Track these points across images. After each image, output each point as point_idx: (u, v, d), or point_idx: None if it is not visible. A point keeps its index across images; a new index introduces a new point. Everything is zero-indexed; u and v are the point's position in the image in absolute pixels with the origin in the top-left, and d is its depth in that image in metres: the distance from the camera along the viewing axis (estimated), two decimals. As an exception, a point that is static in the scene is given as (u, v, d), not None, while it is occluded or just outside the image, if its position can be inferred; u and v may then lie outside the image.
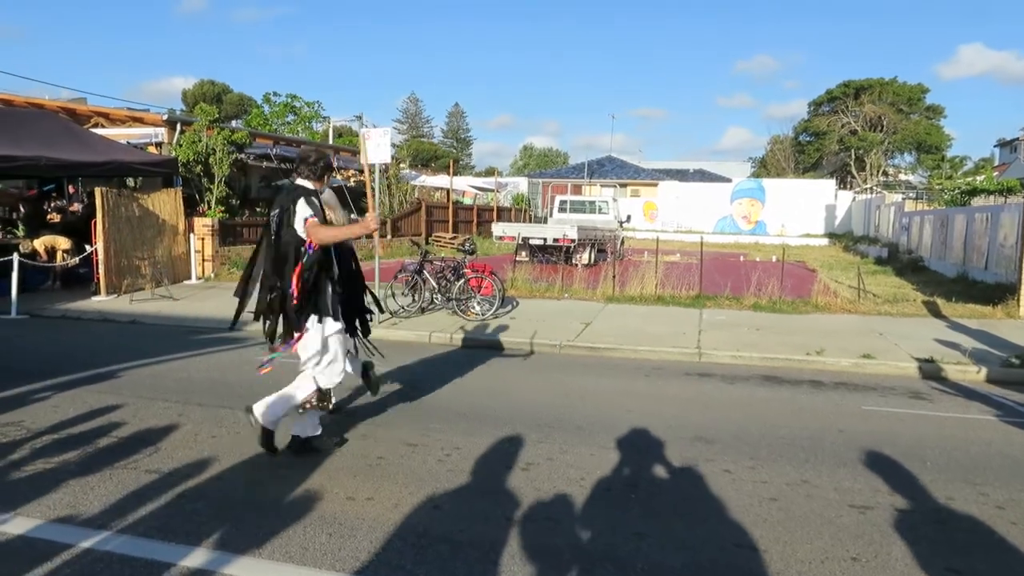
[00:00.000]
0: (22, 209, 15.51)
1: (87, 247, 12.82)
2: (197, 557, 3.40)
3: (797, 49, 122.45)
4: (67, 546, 3.48)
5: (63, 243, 13.33)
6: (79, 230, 13.47)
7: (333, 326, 4.84)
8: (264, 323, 4.92)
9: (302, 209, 4.64)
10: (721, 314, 11.20)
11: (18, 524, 3.72)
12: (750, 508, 4.15)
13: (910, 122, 53.33)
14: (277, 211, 4.74)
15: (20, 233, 14.00)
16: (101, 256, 12.36)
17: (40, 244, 13.20)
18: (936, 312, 11.29)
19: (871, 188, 45.85)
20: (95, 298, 12.13)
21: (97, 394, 6.31)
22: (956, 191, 26.41)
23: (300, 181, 4.84)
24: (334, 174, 21.45)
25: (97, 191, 12.53)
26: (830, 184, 42.47)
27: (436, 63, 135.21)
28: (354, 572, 3.31)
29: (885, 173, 53.05)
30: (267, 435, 4.79)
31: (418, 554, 3.49)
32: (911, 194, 35.34)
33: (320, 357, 4.82)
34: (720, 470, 4.75)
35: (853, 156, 52.52)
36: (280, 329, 4.88)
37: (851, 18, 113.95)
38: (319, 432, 4.97)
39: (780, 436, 5.56)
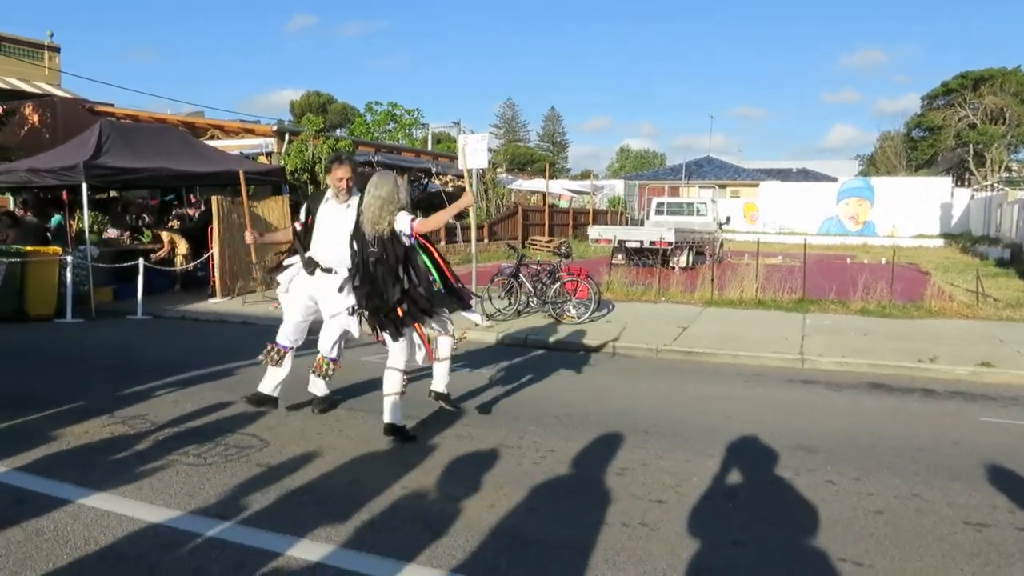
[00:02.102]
0: (147, 217, 16.60)
1: (204, 252, 13.60)
2: (302, 548, 3.56)
3: (908, 41, 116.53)
4: (187, 532, 3.72)
5: (182, 244, 14.14)
6: (197, 237, 14.29)
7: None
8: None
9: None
10: (826, 319, 10.79)
11: (145, 510, 4.00)
12: (855, 521, 3.99)
13: (1036, 114, 49.76)
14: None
15: (145, 239, 14.97)
16: (217, 261, 13.08)
17: (165, 235, 14.11)
18: (1066, 318, 10.51)
19: (992, 185, 43.01)
20: (211, 300, 12.84)
21: (213, 391, 6.69)
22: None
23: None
24: (372, 166, 21.82)
25: (213, 199, 13.27)
26: (946, 182, 40.14)
27: (532, 67, 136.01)
28: (450, 570, 3.40)
29: (1008, 169, 49.67)
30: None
31: (512, 555, 3.54)
32: (1038, 191, 32.97)
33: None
34: (823, 480, 4.60)
35: (972, 151, 49.46)
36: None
37: (968, 4, 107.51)
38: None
39: (888, 447, 5.32)
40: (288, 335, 5.88)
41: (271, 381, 5.89)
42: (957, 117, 51.54)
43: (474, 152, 9.92)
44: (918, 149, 55.85)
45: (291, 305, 5.88)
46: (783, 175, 49.89)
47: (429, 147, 36.17)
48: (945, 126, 52.04)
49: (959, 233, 34.47)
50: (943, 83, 54.01)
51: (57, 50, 28.58)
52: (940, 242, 32.93)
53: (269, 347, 5.88)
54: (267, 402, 5.90)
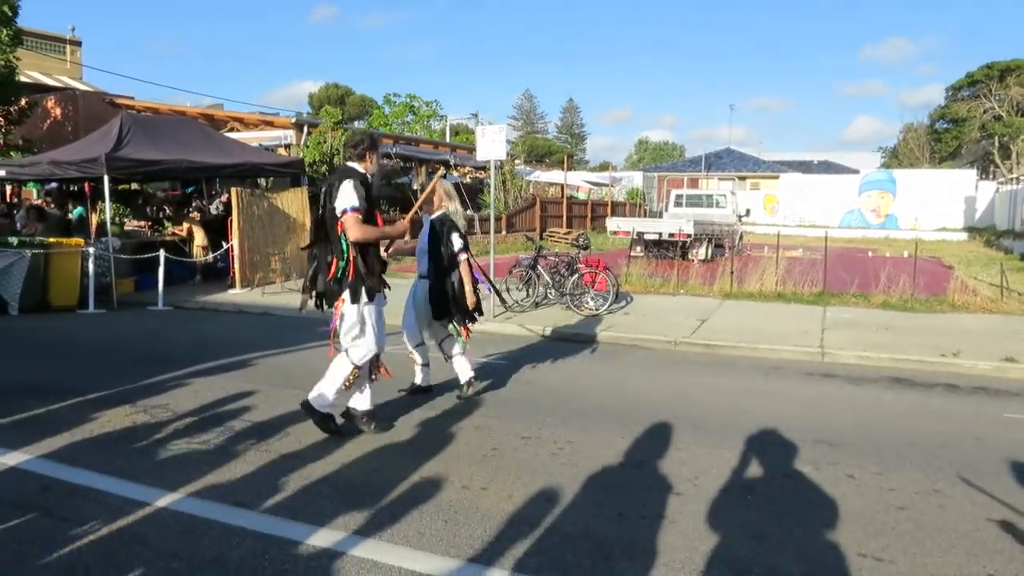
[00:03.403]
0: (167, 210, 16.75)
1: (224, 244, 13.69)
2: (322, 537, 3.59)
3: (934, 31, 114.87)
4: (208, 521, 3.75)
5: (199, 235, 14.24)
6: (217, 228, 14.39)
7: (367, 303, 5.05)
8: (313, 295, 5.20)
9: (347, 196, 4.85)
10: (846, 312, 10.69)
11: (167, 499, 4.04)
12: (876, 516, 3.96)
13: (1064, 106, 48.87)
14: (326, 187, 5.06)
15: (166, 231, 15.10)
16: (236, 252, 13.17)
17: (187, 225, 14.25)
18: (1093, 312, 10.35)
19: (1017, 178, 42.29)
20: (231, 291, 12.94)
21: (233, 381, 6.75)
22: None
23: (351, 164, 5.13)
24: (391, 157, 21.79)
25: (232, 191, 13.36)
26: (970, 174, 39.52)
27: (551, 59, 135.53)
28: (468, 559, 3.41)
29: (1035, 162, 48.85)
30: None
31: (531, 545, 3.54)
32: (1065, 184, 32.39)
33: (355, 332, 5.09)
34: (843, 475, 4.56)
35: (997, 144, 48.65)
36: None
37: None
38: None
39: (910, 442, 5.27)
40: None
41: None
42: (982, 109, 50.72)
43: (491, 143, 9.91)
44: (942, 141, 55.07)
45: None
46: (804, 167, 49.40)
47: (447, 139, 36.17)
48: (970, 118, 51.25)
49: (983, 227, 33.96)
50: (968, 74, 53.16)
51: (79, 44, 28.88)
52: (964, 236, 32.48)
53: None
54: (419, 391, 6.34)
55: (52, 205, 14.89)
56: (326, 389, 5.09)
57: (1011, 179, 38.64)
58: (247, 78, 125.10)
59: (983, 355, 7.82)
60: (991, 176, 45.81)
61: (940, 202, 36.40)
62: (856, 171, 43.82)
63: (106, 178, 11.87)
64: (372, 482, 4.34)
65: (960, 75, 55.11)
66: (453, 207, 6.12)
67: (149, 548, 3.46)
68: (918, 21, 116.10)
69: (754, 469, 4.68)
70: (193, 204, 17.10)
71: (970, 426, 5.70)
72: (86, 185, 14.75)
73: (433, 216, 6.08)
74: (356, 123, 46.54)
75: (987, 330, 9.26)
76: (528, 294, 11.10)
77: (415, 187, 22.03)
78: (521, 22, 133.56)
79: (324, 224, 5.03)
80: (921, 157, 55.24)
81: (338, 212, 4.86)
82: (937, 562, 3.45)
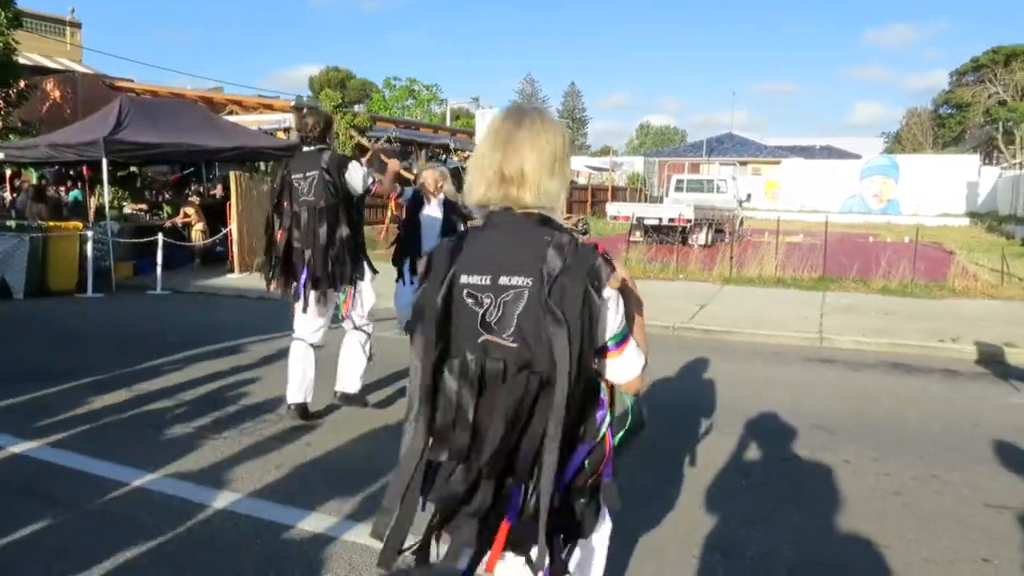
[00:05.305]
0: (167, 193, 16.71)
1: (222, 228, 13.66)
2: (313, 521, 3.58)
3: (939, 14, 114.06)
4: (201, 504, 3.75)
5: (195, 218, 14.15)
6: (216, 212, 14.35)
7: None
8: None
9: (362, 173, 5.04)
10: (846, 297, 10.66)
11: (161, 482, 4.04)
12: (871, 501, 3.95)
13: (1070, 90, 48.56)
14: (318, 175, 4.94)
15: (165, 215, 15.08)
16: (235, 236, 13.14)
17: (188, 210, 14.22)
18: (1094, 298, 10.31)
19: (1021, 163, 42.13)
20: (229, 275, 12.91)
21: (230, 365, 6.74)
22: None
23: (322, 146, 5.12)
24: (391, 142, 21.66)
25: (231, 175, 13.31)
26: (973, 160, 39.33)
27: (552, 43, 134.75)
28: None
29: (1039, 147, 48.59)
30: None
31: (524, 530, 3.53)
32: (1069, 169, 32.23)
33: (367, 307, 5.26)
34: (840, 460, 4.55)
35: (1001, 129, 48.34)
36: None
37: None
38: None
39: (908, 427, 5.25)
40: None
41: None
42: (987, 94, 50.42)
43: (491, 127, 9.85)
44: (945, 127, 54.80)
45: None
46: (806, 152, 49.13)
47: (448, 123, 36.02)
48: (974, 103, 50.95)
49: (986, 212, 33.83)
50: (973, 59, 52.82)
51: (79, 26, 28.75)
52: (965, 221, 32.35)
53: None
54: None
55: (51, 188, 14.85)
56: (356, 370, 5.17)
57: (1014, 164, 38.45)
58: (247, 61, 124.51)
59: (983, 340, 7.79)
60: (994, 162, 45.60)
61: (942, 188, 36.23)
62: (858, 156, 43.63)
63: (104, 161, 11.81)
64: (366, 467, 4.33)
65: (965, 60, 54.77)
66: (451, 188, 6.20)
67: (142, 531, 3.45)
68: (923, 4, 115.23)
69: (750, 453, 4.67)
70: (192, 188, 17.07)
71: (969, 412, 5.69)
72: (84, 168, 14.69)
73: (439, 198, 6.14)
74: (356, 107, 46.44)
75: (987, 315, 9.23)
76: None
77: (415, 171, 21.97)
78: (523, 4, 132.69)
79: (336, 209, 4.97)
80: (924, 142, 54.98)
81: (361, 190, 5.04)
82: (931, 547, 3.44)
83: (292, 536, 3.44)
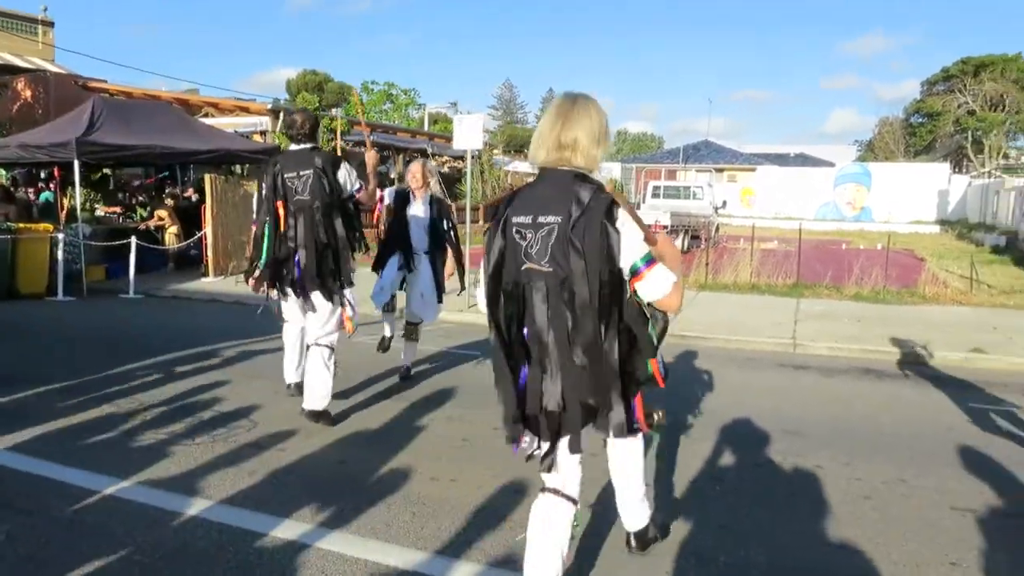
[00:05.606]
0: (140, 197, 16.51)
1: (196, 231, 13.52)
2: (287, 528, 3.55)
3: (910, 25, 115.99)
4: (172, 512, 3.70)
5: (169, 221, 13.96)
6: (191, 215, 14.20)
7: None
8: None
9: (353, 175, 5.10)
10: (819, 304, 10.78)
11: (131, 489, 3.98)
12: (842, 506, 3.99)
13: (1036, 101, 49.49)
14: (313, 175, 4.91)
15: (138, 218, 14.89)
16: (210, 240, 13.01)
17: (162, 212, 14.03)
18: (1059, 305, 10.52)
19: (990, 172, 42.89)
20: (204, 279, 12.79)
21: (203, 371, 6.67)
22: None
23: (310, 144, 5.07)
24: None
25: (206, 178, 13.18)
26: (943, 168, 39.96)
27: (531, 48, 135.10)
28: (436, 551, 3.39)
29: (1006, 156, 49.48)
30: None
31: (499, 536, 3.53)
32: (1035, 178, 32.88)
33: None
34: (812, 465, 4.59)
35: (970, 138, 49.30)
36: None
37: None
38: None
39: (878, 432, 5.33)
40: None
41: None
42: (957, 103, 51.28)
43: (468, 133, 9.85)
44: (917, 135, 55.61)
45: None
46: (781, 160, 49.60)
47: (425, 127, 35.93)
48: (944, 112, 51.77)
49: (956, 220, 34.40)
50: (943, 69, 53.66)
51: (51, 25, 28.30)
52: (936, 228, 32.86)
53: None
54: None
55: (21, 189, 14.61)
56: (321, 388, 5.06)
57: (983, 173, 39.14)
58: (223, 63, 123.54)
59: (952, 346, 7.91)
60: (964, 170, 46.41)
61: (914, 196, 36.77)
62: (832, 164, 44.15)
63: (76, 163, 11.65)
64: (340, 473, 4.31)
65: (936, 70, 55.64)
66: (436, 185, 6.22)
67: (112, 539, 3.40)
68: (896, 16, 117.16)
69: (724, 459, 4.70)
70: (166, 190, 16.88)
71: (938, 417, 5.78)
72: (56, 170, 14.47)
73: (427, 195, 6.13)
74: (334, 110, 46.21)
75: (956, 321, 9.38)
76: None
77: (392, 175, 21.89)
78: (502, 10, 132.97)
79: (331, 208, 4.98)
80: (896, 151, 55.73)
81: (352, 190, 5.09)
82: (900, 550, 3.49)
83: (265, 544, 3.41)
